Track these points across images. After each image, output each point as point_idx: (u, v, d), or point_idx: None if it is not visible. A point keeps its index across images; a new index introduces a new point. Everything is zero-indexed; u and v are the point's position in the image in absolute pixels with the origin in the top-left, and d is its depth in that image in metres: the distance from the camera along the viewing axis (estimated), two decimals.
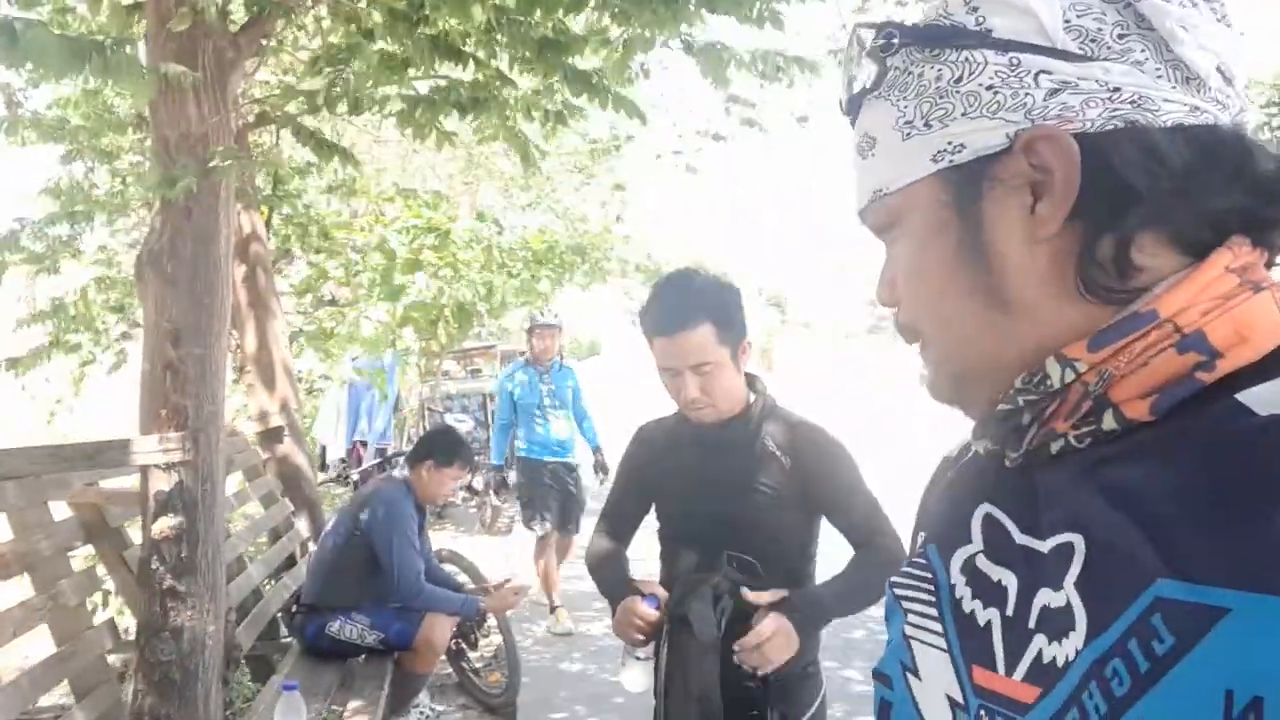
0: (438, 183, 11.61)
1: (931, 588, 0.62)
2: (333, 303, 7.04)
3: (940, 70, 0.54)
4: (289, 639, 4.02)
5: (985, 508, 0.59)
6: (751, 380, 1.83)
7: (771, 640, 1.57)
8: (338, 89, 2.87)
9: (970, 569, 0.59)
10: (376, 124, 5.78)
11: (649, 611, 1.72)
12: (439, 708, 4.08)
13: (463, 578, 4.37)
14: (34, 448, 2.54)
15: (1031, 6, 0.51)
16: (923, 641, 0.61)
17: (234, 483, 4.67)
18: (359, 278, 7.06)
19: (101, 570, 2.93)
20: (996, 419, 0.57)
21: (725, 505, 1.75)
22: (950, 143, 0.53)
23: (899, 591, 0.65)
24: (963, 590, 0.59)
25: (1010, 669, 0.53)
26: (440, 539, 7.69)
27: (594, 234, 7.57)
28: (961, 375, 0.58)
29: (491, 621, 3.98)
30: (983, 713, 0.54)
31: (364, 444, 8.36)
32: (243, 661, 3.45)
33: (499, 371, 12.51)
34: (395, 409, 8.16)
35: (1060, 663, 0.49)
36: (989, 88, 0.52)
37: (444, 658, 3.96)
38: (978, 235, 0.53)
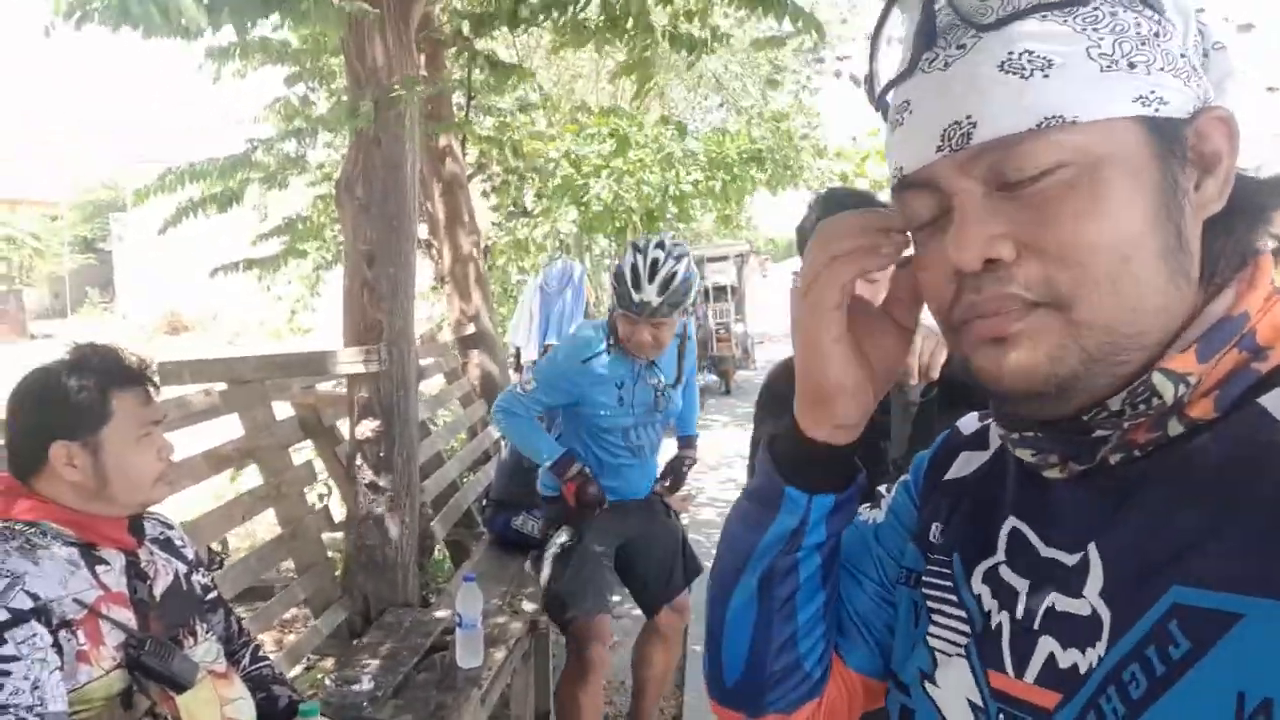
0: (628, 88, 11.64)
1: (955, 597, 0.62)
2: (526, 213, 7.34)
3: (1139, 20, 0.51)
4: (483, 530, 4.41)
5: (1012, 521, 0.60)
6: None
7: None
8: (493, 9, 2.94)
9: (993, 578, 0.59)
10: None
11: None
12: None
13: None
14: (258, 357, 2.90)
15: (1186, 6, 0.53)
16: (944, 653, 0.62)
17: (435, 385, 5.11)
18: (550, 187, 7.31)
19: (319, 464, 3.33)
20: (1072, 434, 0.53)
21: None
22: (1153, 91, 0.49)
23: (929, 601, 0.65)
24: (989, 602, 0.59)
25: (1019, 672, 0.54)
26: None
27: (777, 135, 7.30)
28: (1108, 350, 0.50)
29: None
30: (1002, 717, 0.55)
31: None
32: (440, 547, 3.85)
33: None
34: (585, 314, 8.49)
35: (1083, 670, 0.50)
36: (1183, 55, 0.51)
37: None
38: (1175, 193, 0.50)
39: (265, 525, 4.12)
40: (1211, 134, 0.51)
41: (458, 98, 5.42)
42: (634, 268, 2.47)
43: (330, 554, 3.15)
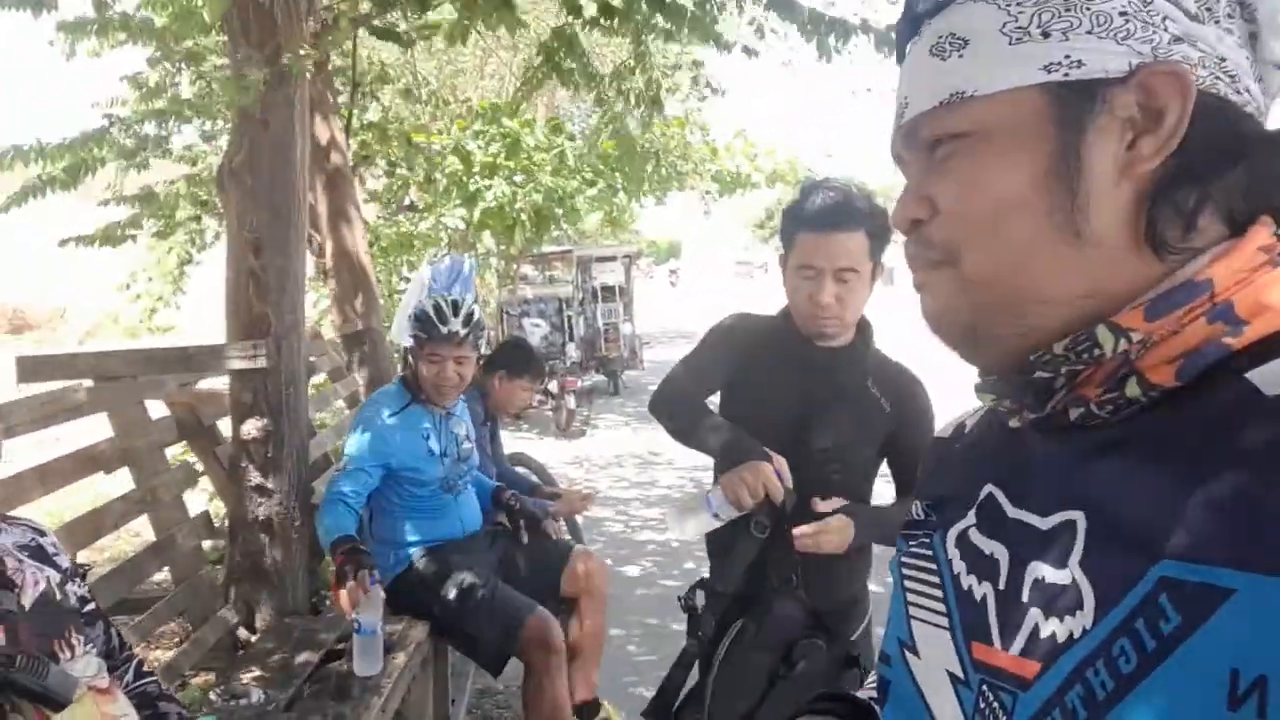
0: (514, 84, 11.49)
1: (934, 565, 0.63)
2: (411, 208, 7.13)
3: None
4: None
5: (989, 487, 0.60)
6: (861, 319, 1.78)
7: (830, 530, 1.61)
8: None
9: (964, 543, 0.60)
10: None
11: (781, 483, 1.60)
12: None
13: (533, 480, 4.51)
14: (130, 351, 2.69)
15: None
16: (923, 620, 0.62)
17: (319, 383, 4.88)
18: (437, 182, 7.13)
19: (198, 466, 3.11)
20: (1021, 377, 0.55)
21: (823, 434, 1.71)
22: (1068, 56, 0.51)
23: (905, 571, 0.66)
24: (959, 565, 0.59)
25: (1007, 644, 0.54)
26: (515, 442, 7.94)
27: (669, 137, 7.37)
28: (995, 304, 0.55)
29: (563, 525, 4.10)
30: (985, 688, 0.55)
31: None
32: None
33: (575, 276, 12.61)
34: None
35: (1061, 639, 0.50)
36: (1122, 13, 0.51)
37: None
38: (1073, 156, 0.52)
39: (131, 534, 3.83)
40: (1158, 89, 0.50)
41: (339, 83, 5.21)
42: (437, 306, 2.73)
43: (213, 561, 2.95)
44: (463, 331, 2.70)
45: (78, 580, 1.56)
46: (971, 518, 0.60)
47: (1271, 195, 0.52)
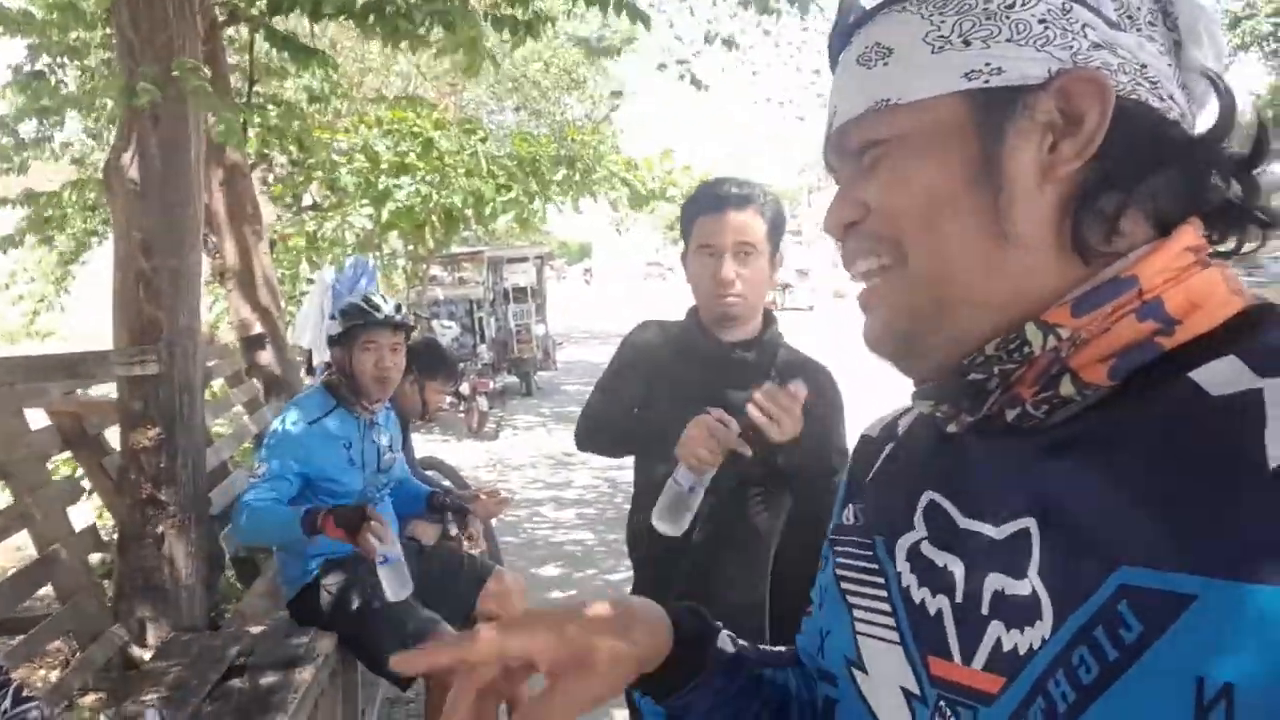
0: (423, 82, 11.29)
1: (881, 579, 0.61)
2: (314, 207, 6.92)
3: None
4: None
5: (929, 495, 0.59)
6: (765, 312, 1.81)
7: (792, 409, 1.52)
8: None
9: (915, 556, 0.58)
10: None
11: (731, 424, 1.54)
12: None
13: (445, 484, 4.45)
14: (9, 358, 2.54)
15: None
16: (871, 636, 0.60)
17: (216, 388, 4.70)
18: (341, 181, 6.93)
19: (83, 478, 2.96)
20: (957, 381, 0.55)
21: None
22: (988, 64, 0.53)
23: (845, 586, 0.64)
24: (909, 579, 0.58)
25: (967, 658, 0.52)
26: (427, 445, 7.81)
27: (582, 140, 7.36)
28: (938, 302, 0.55)
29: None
30: (943, 704, 0.53)
31: None
32: (228, 565, 3.54)
33: (486, 277, 12.47)
34: None
35: (1023, 651, 0.49)
36: (1041, 21, 0.52)
37: None
38: (995, 159, 0.53)
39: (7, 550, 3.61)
40: (1077, 94, 0.51)
41: (237, 81, 5.02)
42: (365, 298, 2.75)
43: (101, 575, 2.81)
44: (397, 317, 2.71)
45: None
46: (921, 529, 0.58)
47: (1198, 199, 0.53)
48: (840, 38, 0.61)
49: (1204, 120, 0.55)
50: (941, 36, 0.54)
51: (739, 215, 1.68)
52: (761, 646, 0.75)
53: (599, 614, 0.62)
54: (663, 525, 1.63)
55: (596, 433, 1.92)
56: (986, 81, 0.53)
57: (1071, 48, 0.52)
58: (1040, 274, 0.53)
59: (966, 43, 0.53)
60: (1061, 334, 0.51)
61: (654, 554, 1.80)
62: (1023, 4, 0.53)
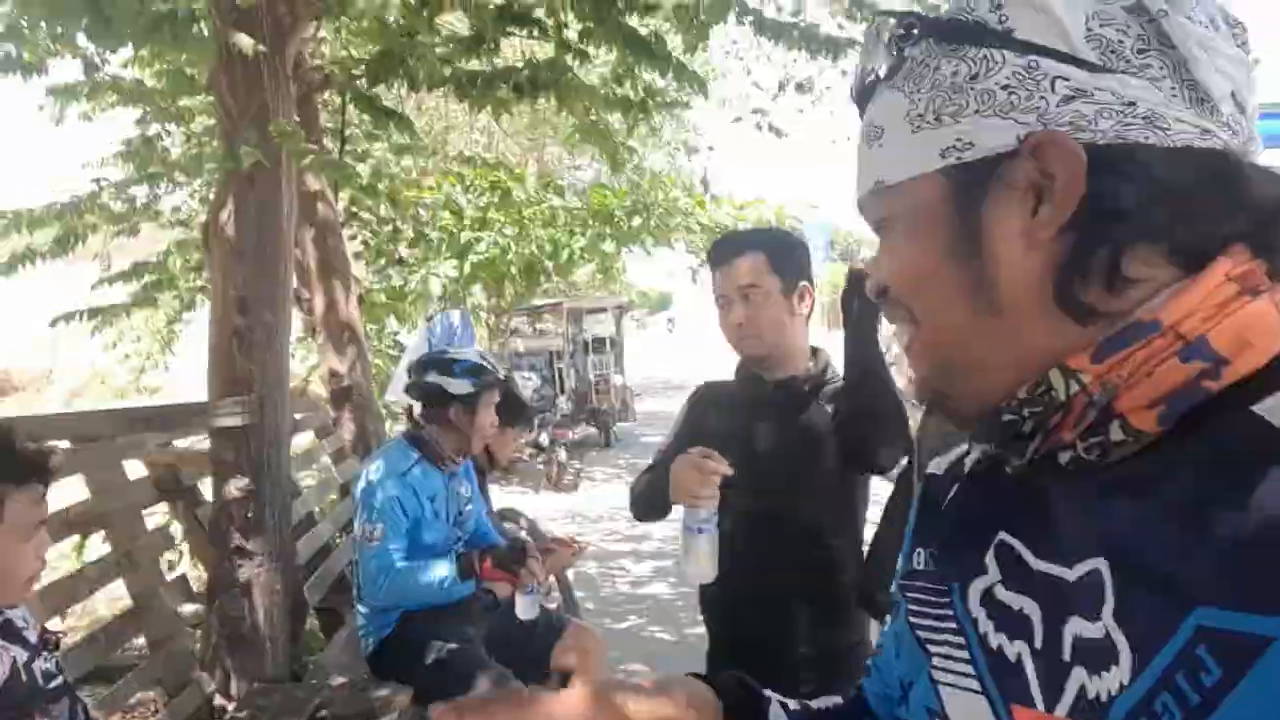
0: (504, 139, 11.63)
1: (955, 626, 0.59)
2: (401, 262, 7.14)
3: (958, 65, 0.53)
4: None
5: (1000, 535, 0.58)
6: (815, 350, 1.85)
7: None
8: (399, 65, 2.86)
9: (990, 601, 0.57)
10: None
11: (720, 462, 1.58)
12: None
13: (523, 536, 4.44)
14: (110, 411, 2.64)
15: (1056, 11, 0.51)
16: (952, 685, 0.58)
17: (305, 441, 4.82)
18: (428, 237, 7.14)
19: (176, 527, 3.04)
20: (997, 424, 0.55)
21: (778, 471, 1.72)
22: (960, 139, 0.53)
23: (921, 634, 0.62)
24: (985, 625, 0.56)
25: (1050, 705, 0.51)
26: (506, 496, 7.85)
27: (661, 191, 7.45)
28: (949, 365, 0.57)
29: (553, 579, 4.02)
30: None
31: None
32: (312, 615, 3.58)
33: (566, 328, 12.62)
34: None
35: (1104, 698, 0.47)
36: (1004, 87, 0.51)
37: None
38: (975, 236, 0.53)
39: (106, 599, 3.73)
40: (1046, 156, 0.50)
41: (328, 140, 5.24)
42: (482, 355, 2.78)
43: (190, 625, 2.86)
44: (502, 374, 2.80)
45: (46, 654, 1.50)
46: (995, 572, 0.57)
47: (1232, 222, 0.50)
48: (858, 107, 0.62)
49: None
50: (919, 115, 0.54)
51: (739, 261, 1.76)
52: (827, 703, 0.78)
53: (641, 694, 0.66)
54: (692, 573, 1.65)
55: (635, 501, 1.95)
56: (959, 157, 0.53)
57: (1038, 109, 0.50)
58: (1046, 336, 0.52)
59: (939, 119, 0.53)
60: (1083, 379, 0.50)
61: (715, 614, 1.86)
62: (986, 73, 0.52)
